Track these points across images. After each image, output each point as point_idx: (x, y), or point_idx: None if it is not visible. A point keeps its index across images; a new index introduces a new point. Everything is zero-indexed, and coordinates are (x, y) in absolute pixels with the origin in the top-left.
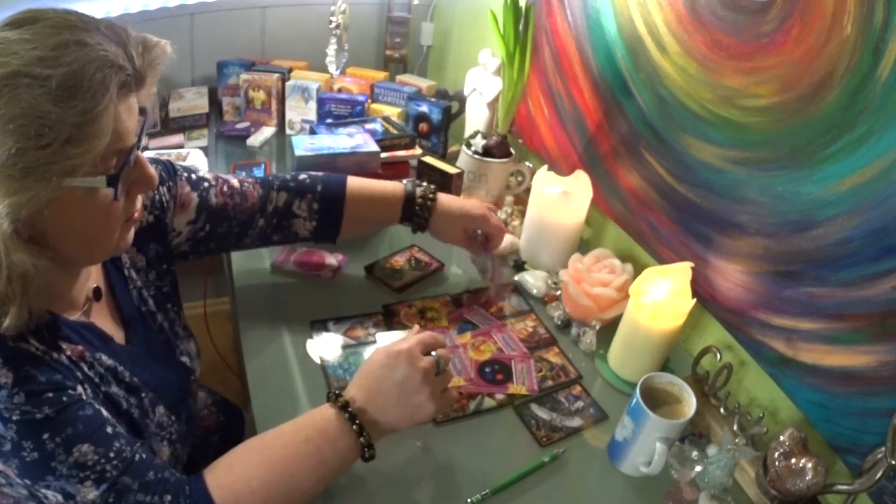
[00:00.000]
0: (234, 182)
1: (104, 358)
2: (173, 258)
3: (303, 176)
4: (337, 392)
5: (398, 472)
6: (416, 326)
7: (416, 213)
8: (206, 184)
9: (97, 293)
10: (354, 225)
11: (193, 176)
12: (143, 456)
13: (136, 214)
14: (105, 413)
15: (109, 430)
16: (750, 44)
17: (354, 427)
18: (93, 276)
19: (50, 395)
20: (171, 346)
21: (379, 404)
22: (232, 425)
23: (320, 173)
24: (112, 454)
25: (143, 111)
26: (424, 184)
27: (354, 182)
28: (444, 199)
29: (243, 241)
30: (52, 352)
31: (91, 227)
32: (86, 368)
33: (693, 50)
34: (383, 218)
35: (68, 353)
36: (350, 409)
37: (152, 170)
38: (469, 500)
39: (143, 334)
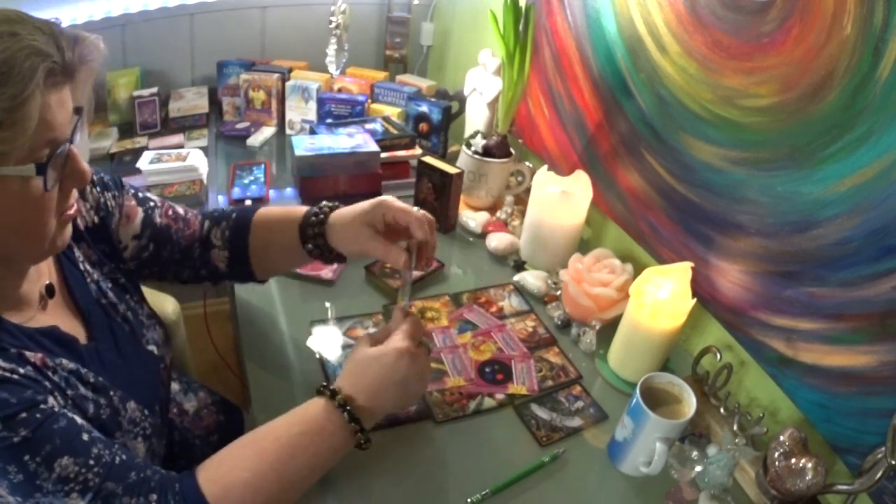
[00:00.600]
0: (179, 209)
1: (65, 362)
2: (122, 258)
3: (230, 208)
4: (332, 389)
5: (398, 472)
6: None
7: (310, 225)
8: (151, 203)
9: (50, 290)
10: (264, 253)
11: (140, 194)
12: (124, 458)
13: (70, 211)
14: (79, 420)
15: (86, 437)
16: (750, 44)
17: (353, 424)
18: (45, 274)
19: (24, 415)
20: (136, 336)
21: (380, 403)
22: (232, 425)
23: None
24: (92, 461)
25: (78, 110)
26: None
27: (267, 208)
28: (341, 209)
29: (182, 273)
30: (19, 367)
31: (24, 219)
32: (51, 374)
33: (693, 50)
34: (286, 241)
35: (32, 361)
36: (349, 408)
37: (85, 165)
38: (469, 500)
39: (106, 327)
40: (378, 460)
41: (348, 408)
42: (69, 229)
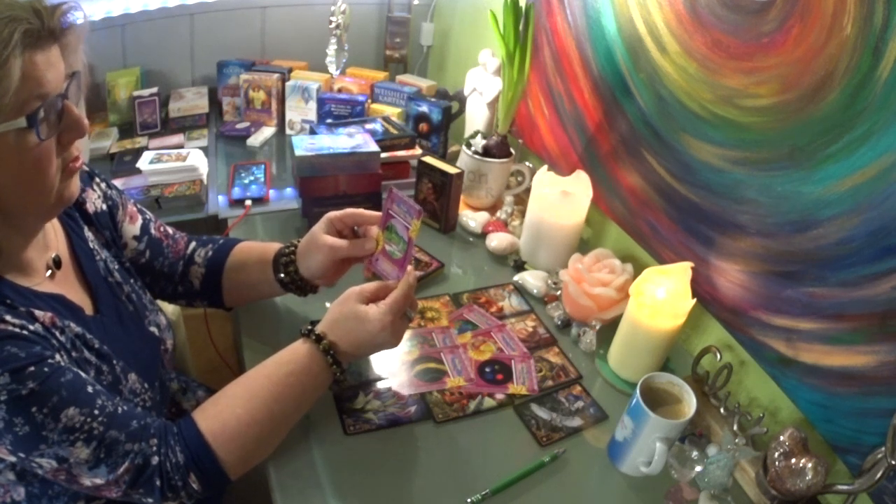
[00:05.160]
0: (169, 229)
1: (73, 325)
2: (122, 252)
3: (219, 236)
4: (317, 334)
5: (398, 472)
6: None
7: (283, 255)
8: (147, 215)
9: (57, 262)
10: (237, 275)
11: (139, 205)
12: (125, 408)
13: (77, 163)
14: (83, 374)
15: (90, 389)
16: (750, 44)
17: (335, 367)
18: (53, 246)
19: (32, 368)
20: (140, 315)
21: (357, 353)
22: None
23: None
24: (97, 411)
25: (74, 74)
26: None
27: (249, 241)
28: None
29: (167, 289)
30: (28, 324)
31: (25, 172)
32: (58, 334)
33: (693, 50)
34: (260, 265)
35: (41, 320)
36: (332, 353)
37: (81, 117)
38: (469, 500)
39: (111, 303)
40: (378, 460)
41: (332, 352)
42: (76, 182)
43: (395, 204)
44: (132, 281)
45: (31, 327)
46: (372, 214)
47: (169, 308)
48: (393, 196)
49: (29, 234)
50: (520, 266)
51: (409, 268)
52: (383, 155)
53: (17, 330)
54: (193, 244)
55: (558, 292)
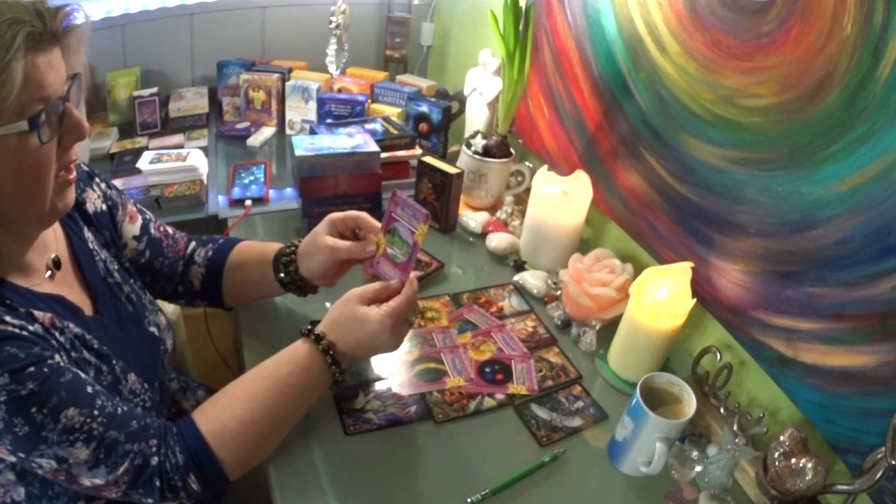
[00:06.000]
0: (169, 228)
1: (72, 326)
2: (122, 252)
3: (219, 236)
4: (317, 334)
5: (398, 472)
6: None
7: (283, 254)
8: (147, 215)
9: (57, 263)
10: (237, 275)
11: (139, 205)
12: (125, 408)
13: (70, 176)
14: (83, 374)
15: (90, 389)
16: (750, 44)
17: (334, 367)
18: (52, 248)
19: (31, 369)
20: (139, 315)
21: (356, 354)
22: None
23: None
24: (96, 412)
25: (75, 76)
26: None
27: (249, 241)
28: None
29: (167, 289)
30: (28, 325)
31: (23, 176)
32: (58, 335)
33: (693, 50)
34: (260, 266)
35: (41, 321)
36: (331, 353)
37: (82, 120)
38: (469, 500)
39: (111, 304)
40: (378, 460)
41: (331, 352)
42: (71, 193)
43: (400, 207)
44: (132, 281)
45: (31, 328)
46: (374, 221)
47: (169, 308)
48: (397, 199)
49: (27, 239)
50: (520, 266)
51: (412, 275)
52: (383, 155)
53: (17, 331)
54: (193, 244)
55: (558, 292)
